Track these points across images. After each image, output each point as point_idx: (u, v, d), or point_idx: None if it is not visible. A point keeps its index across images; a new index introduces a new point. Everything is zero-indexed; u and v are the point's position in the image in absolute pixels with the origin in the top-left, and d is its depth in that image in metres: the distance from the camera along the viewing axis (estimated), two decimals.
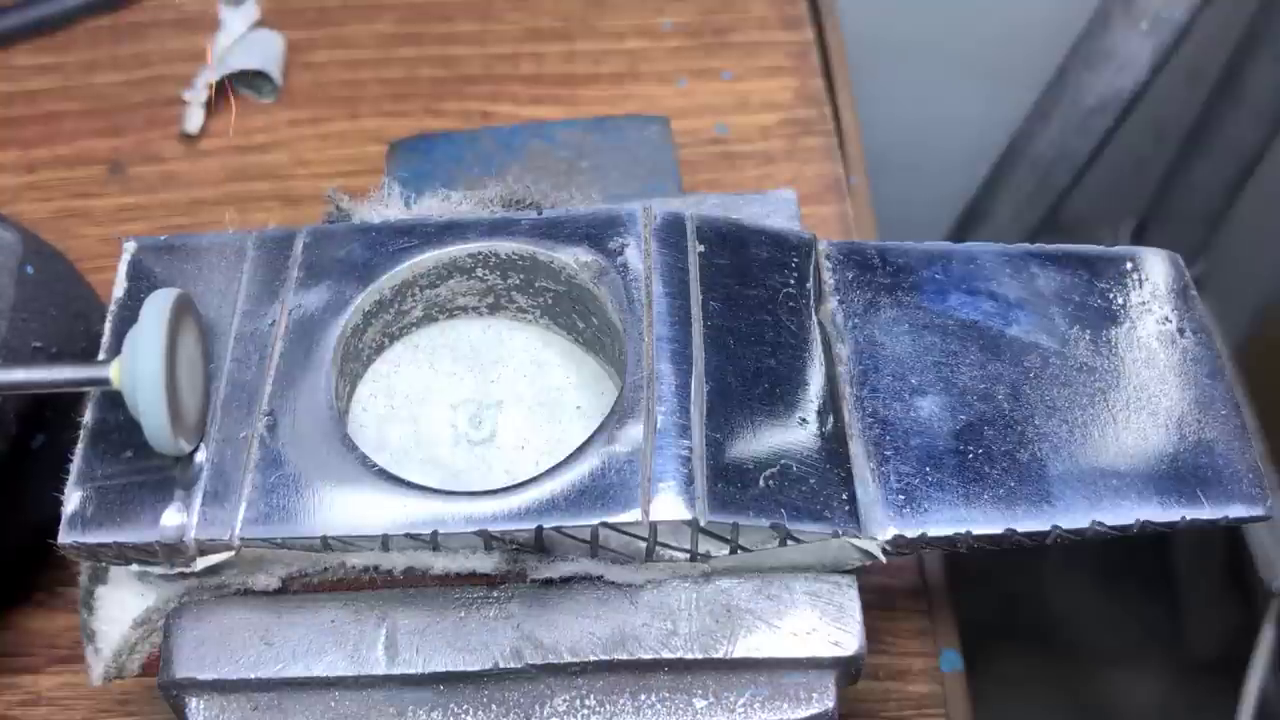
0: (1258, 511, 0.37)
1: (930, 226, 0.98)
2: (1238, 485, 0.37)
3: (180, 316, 0.35)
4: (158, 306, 0.35)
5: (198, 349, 0.37)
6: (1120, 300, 0.41)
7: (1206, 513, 0.37)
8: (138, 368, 0.34)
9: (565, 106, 0.66)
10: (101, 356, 0.38)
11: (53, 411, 0.47)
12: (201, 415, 0.36)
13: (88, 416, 0.37)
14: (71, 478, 0.36)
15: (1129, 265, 0.42)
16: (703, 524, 0.34)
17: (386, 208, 0.42)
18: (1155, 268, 0.42)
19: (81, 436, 0.36)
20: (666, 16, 0.69)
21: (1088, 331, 0.40)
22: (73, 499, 0.35)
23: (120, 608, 0.37)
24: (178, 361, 0.35)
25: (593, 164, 0.56)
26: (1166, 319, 0.41)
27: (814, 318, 0.39)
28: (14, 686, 0.48)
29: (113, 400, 0.37)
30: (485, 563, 0.35)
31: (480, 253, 0.40)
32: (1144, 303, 0.41)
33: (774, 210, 0.44)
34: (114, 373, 0.35)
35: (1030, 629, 1.02)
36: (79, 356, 0.46)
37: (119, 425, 0.36)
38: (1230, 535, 0.89)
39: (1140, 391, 0.39)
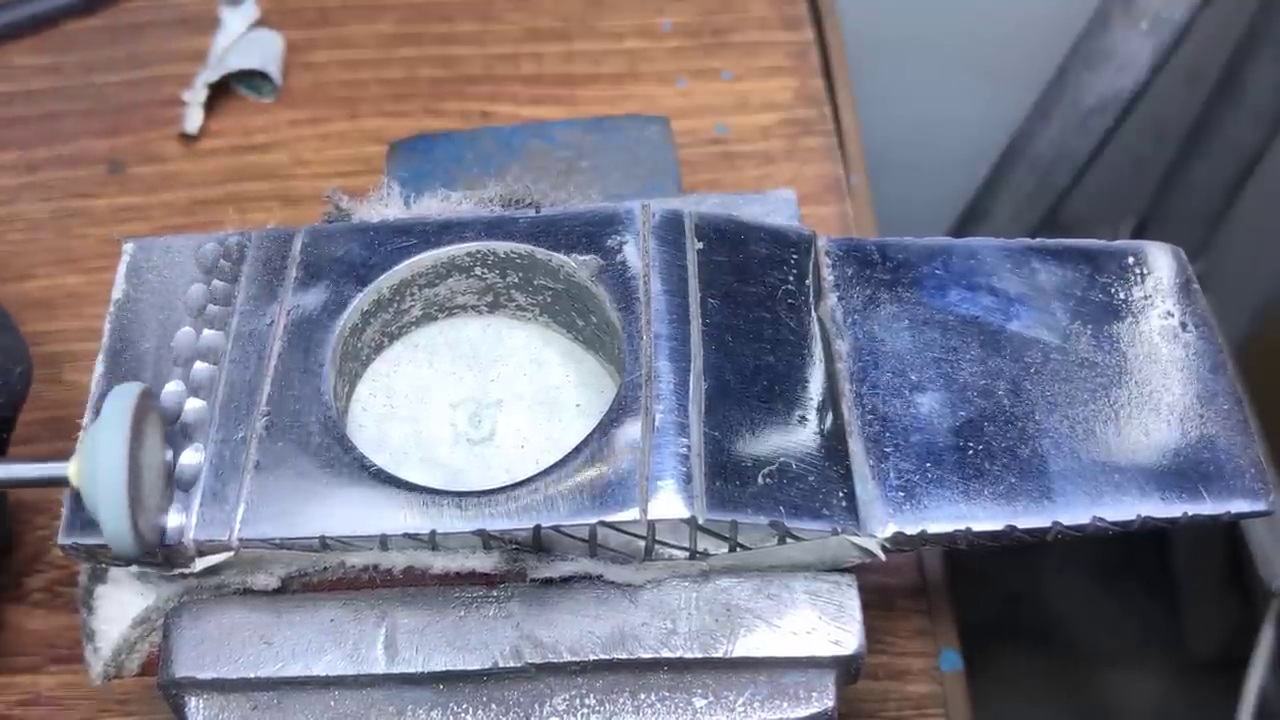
0: (1260, 506, 0.37)
1: (930, 226, 0.98)
2: (1240, 480, 0.37)
3: (142, 415, 0.33)
4: (118, 409, 0.33)
5: (158, 447, 0.35)
6: (1122, 295, 0.41)
7: (1208, 508, 0.37)
8: (99, 477, 0.32)
9: (565, 106, 0.66)
10: (100, 360, 0.38)
11: None
12: (164, 504, 0.35)
13: (87, 417, 0.37)
14: None
15: (1131, 259, 0.42)
16: (701, 522, 0.34)
17: (386, 208, 0.42)
18: (1157, 261, 0.42)
19: (81, 436, 0.36)
20: (666, 16, 0.69)
21: (1089, 326, 0.40)
22: (72, 499, 0.35)
23: (120, 607, 0.37)
24: (140, 462, 0.33)
25: (592, 164, 0.56)
26: (1169, 313, 0.41)
27: (813, 314, 0.39)
28: (14, 686, 0.48)
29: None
30: (485, 562, 0.35)
31: (478, 251, 0.40)
32: (1146, 297, 0.41)
33: (774, 210, 0.44)
34: (72, 471, 0.34)
35: (1030, 629, 1.02)
36: None
37: None
38: (1230, 535, 0.89)
39: (1142, 386, 0.39)
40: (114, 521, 0.33)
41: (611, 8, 0.70)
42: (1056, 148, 0.85)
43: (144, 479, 0.33)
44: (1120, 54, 0.80)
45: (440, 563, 0.35)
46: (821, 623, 0.35)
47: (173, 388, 0.37)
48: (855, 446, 0.37)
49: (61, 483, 0.34)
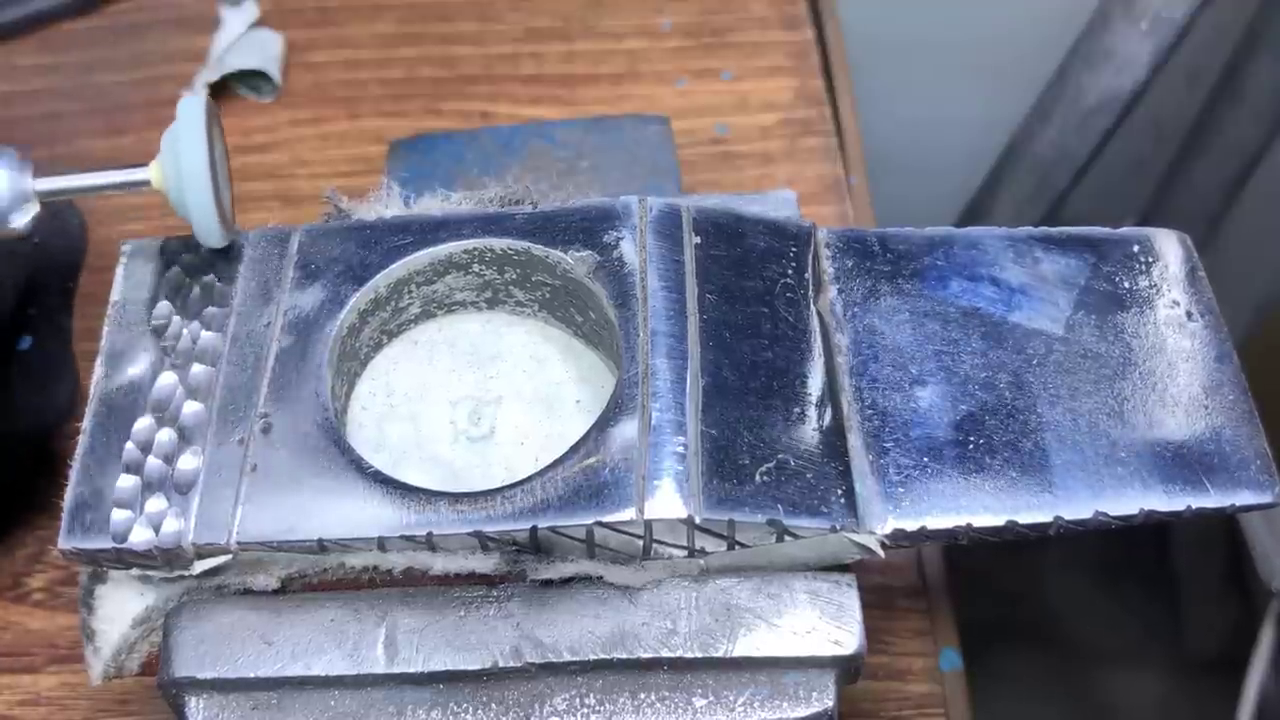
0: (1266, 499, 0.36)
1: (930, 226, 0.98)
2: (1245, 472, 0.37)
3: (211, 119, 0.37)
4: (192, 109, 0.37)
5: (223, 151, 0.39)
6: (1127, 284, 0.41)
7: (1213, 501, 0.36)
8: (183, 167, 0.36)
9: (565, 106, 0.66)
10: (99, 361, 0.38)
11: (38, 311, 0.47)
12: (231, 211, 0.39)
13: (86, 420, 0.37)
14: (70, 482, 0.36)
15: (1136, 248, 0.41)
16: (698, 521, 0.34)
17: (386, 208, 0.42)
18: (1163, 249, 0.42)
19: (80, 440, 0.36)
20: (666, 16, 0.69)
21: (1093, 316, 0.40)
22: (71, 504, 0.35)
23: (120, 607, 0.37)
24: (215, 160, 0.37)
25: (593, 164, 0.56)
26: (1175, 302, 0.40)
27: (813, 308, 0.39)
28: (14, 686, 0.48)
29: (111, 404, 0.37)
30: (485, 563, 0.35)
31: (476, 248, 0.40)
32: (1152, 286, 0.41)
33: (774, 211, 0.43)
34: (153, 174, 0.37)
35: (1030, 629, 1.02)
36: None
37: (118, 428, 0.36)
38: (1230, 534, 0.89)
39: (1146, 378, 0.39)
40: (202, 213, 0.37)
41: (611, 8, 0.70)
42: (1056, 148, 0.85)
43: (218, 176, 0.37)
44: (1120, 54, 0.80)
45: (440, 564, 0.35)
46: (821, 622, 0.35)
47: (171, 390, 0.37)
48: (854, 442, 0.37)
49: (142, 185, 0.37)
